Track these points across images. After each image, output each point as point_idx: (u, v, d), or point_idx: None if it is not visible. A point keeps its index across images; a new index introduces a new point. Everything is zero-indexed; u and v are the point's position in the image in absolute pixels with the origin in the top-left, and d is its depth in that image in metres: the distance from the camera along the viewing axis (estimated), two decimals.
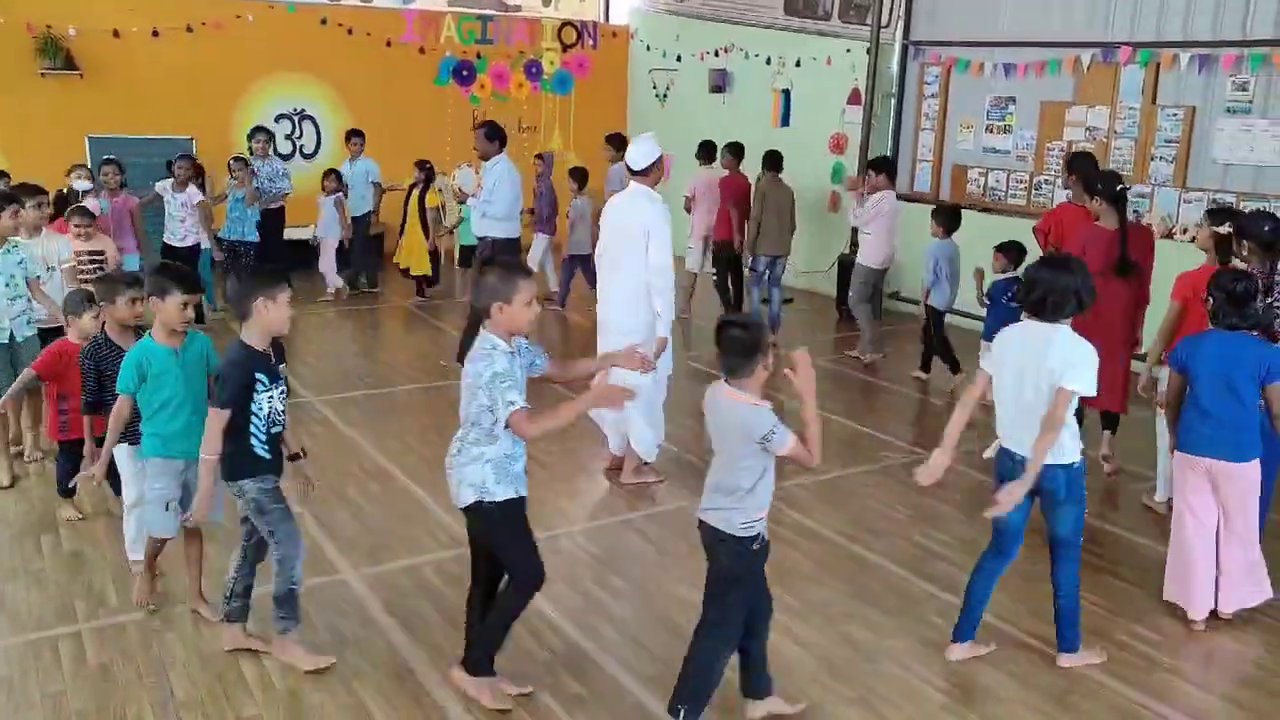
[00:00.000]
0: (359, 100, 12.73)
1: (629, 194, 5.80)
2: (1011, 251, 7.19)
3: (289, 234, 10.73)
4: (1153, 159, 8.66)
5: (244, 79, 12.20)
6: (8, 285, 5.59)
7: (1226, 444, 4.27)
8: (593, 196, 10.26)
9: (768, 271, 9.37)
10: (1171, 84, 8.55)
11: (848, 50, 11.11)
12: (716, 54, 12.92)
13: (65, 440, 5.18)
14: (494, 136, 8.03)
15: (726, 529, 3.41)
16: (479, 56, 13.02)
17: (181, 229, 9.26)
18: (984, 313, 7.23)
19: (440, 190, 10.92)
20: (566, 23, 13.85)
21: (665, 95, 14.11)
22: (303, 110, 12.69)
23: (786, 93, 12.04)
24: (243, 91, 12.23)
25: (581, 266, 10.37)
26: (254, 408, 3.72)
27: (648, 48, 14.13)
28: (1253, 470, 4.33)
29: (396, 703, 3.75)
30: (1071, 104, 9.26)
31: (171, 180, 9.26)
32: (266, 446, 3.81)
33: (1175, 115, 8.51)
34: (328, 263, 10.75)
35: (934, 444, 4.04)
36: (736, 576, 3.47)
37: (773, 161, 9.43)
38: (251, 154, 10.19)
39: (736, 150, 9.83)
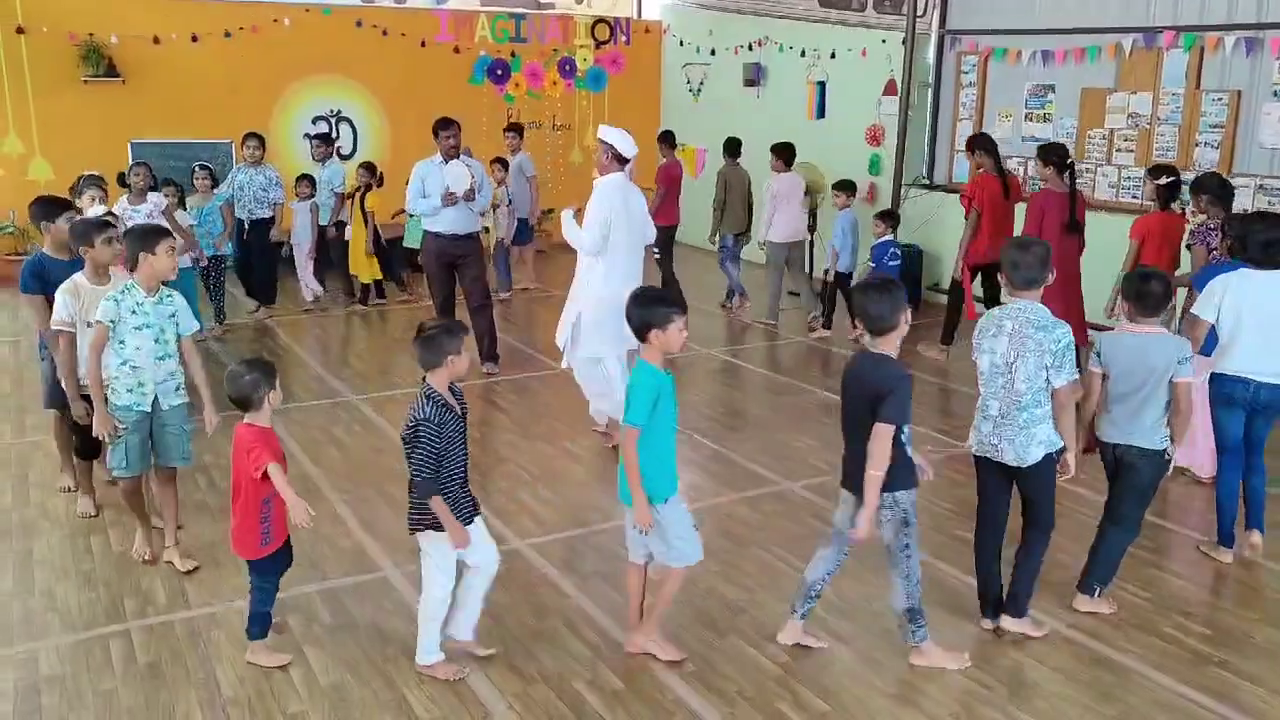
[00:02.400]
0: (394, 101, 12.82)
1: (629, 183, 6.24)
2: (890, 218, 8.70)
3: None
4: (1197, 145, 8.51)
5: (281, 82, 12.33)
6: (157, 341, 4.59)
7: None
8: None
9: (733, 248, 10.18)
10: (1216, 68, 8.39)
11: (883, 41, 11.01)
12: (750, 47, 12.86)
13: (260, 558, 3.98)
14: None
15: (1153, 447, 4.20)
16: (513, 55, 13.08)
17: None
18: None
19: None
20: (600, 19, 13.87)
21: (699, 90, 14.07)
22: (339, 111, 12.80)
23: (821, 85, 11.96)
24: (280, 94, 12.36)
25: (504, 254, 10.70)
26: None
27: (681, 43, 14.09)
28: None
29: (440, 699, 3.77)
30: (1113, 90, 9.12)
31: (127, 194, 8.17)
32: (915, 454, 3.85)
33: (1220, 100, 8.35)
34: (304, 270, 10.28)
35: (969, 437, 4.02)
36: (1154, 484, 4.29)
37: (732, 148, 10.18)
38: (244, 161, 9.70)
39: (670, 139, 10.62)
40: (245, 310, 9.87)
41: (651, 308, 3.76)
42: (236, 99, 11.87)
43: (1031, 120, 9.84)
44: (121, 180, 8.73)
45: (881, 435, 3.65)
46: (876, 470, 3.67)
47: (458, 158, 7.86)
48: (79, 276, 4.84)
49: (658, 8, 14.66)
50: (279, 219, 9.78)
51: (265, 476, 3.80)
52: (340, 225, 10.51)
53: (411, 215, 10.43)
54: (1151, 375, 4.14)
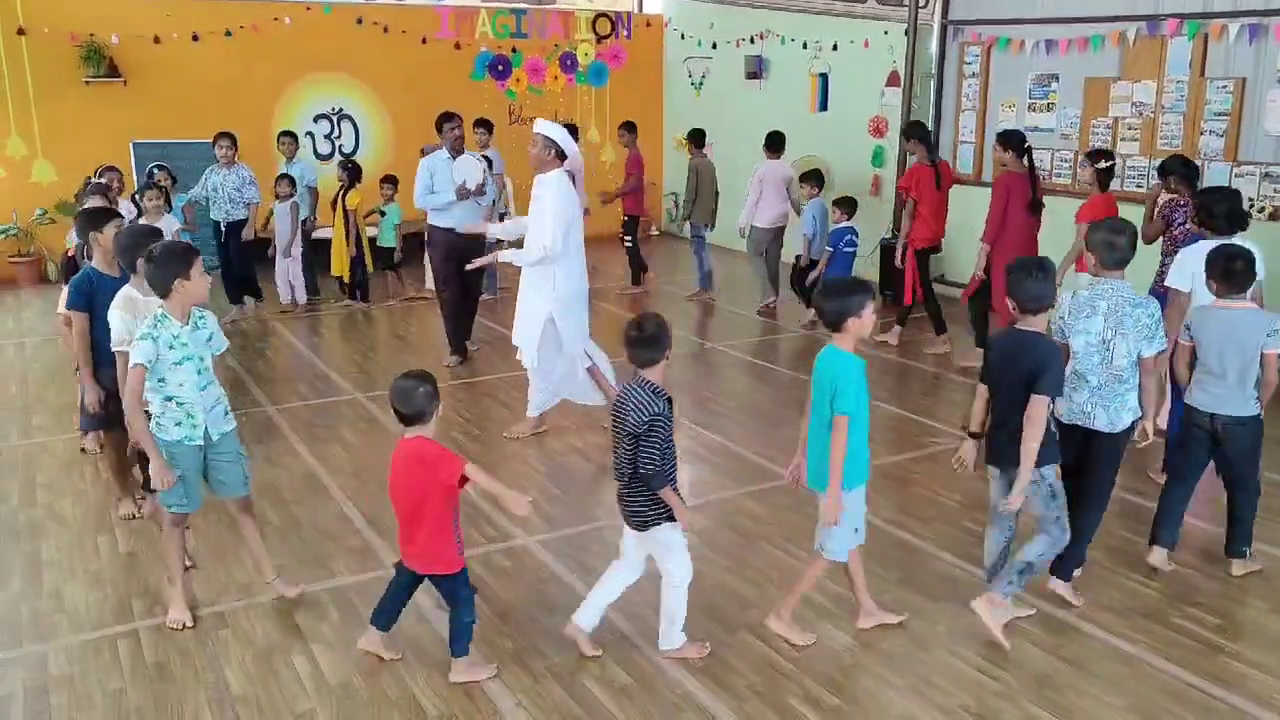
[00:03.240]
0: (396, 98, 12.81)
1: (569, 180, 6.19)
2: (847, 205, 8.98)
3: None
4: (1202, 133, 8.46)
5: (283, 80, 12.32)
6: (200, 372, 4.12)
7: None
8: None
9: (703, 236, 10.62)
10: (1220, 55, 8.34)
11: (885, 32, 10.97)
12: (752, 40, 12.83)
13: (462, 569, 3.85)
14: None
15: (1249, 413, 4.47)
16: (514, 50, 13.03)
17: None
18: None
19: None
20: (600, 14, 13.82)
21: (701, 84, 14.03)
22: (341, 109, 12.79)
23: (824, 77, 11.92)
24: (282, 93, 12.35)
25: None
26: None
27: (682, 36, 14.06)
28: None
29: (449, 697, 3.77)
30: (1116, 79, 9.08)
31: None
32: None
33: (1225, 87, 8.30)
34: (295, 272, 10.11)
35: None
36: (1259, 444, 4.58)
37: (697, 138, 10.58)
38: (217, 161, 9.44)
39: (632, 129, 10.99)
40: (227, 317, 9.50)
41: (847, 297, 3.83)
42: (238, 98, 11.86)
43: (1035, 110, 9.80)
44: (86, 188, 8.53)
45: (1038, 406, 3.84)
46: (1033, 442, 3.85)
47: (463, 152, 7.87)
48: (130, 290, 4.51)
49: (659, 1, 14.62)
50: (253, 219, 9.54)
51: (462, 481, 3.67)
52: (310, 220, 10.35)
53: (383, 214, 10.42)
54: (1244, 349, 4.40)
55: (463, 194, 7.70)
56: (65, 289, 5.32)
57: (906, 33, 10.57)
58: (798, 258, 9.43)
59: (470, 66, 12.63)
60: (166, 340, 4.01)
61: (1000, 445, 4.06)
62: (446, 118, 7.87)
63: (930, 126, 10.77)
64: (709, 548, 4.99)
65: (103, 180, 7.74)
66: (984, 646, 4.06)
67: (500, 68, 12.81)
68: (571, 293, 6.25)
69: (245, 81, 11.95)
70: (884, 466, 6.02)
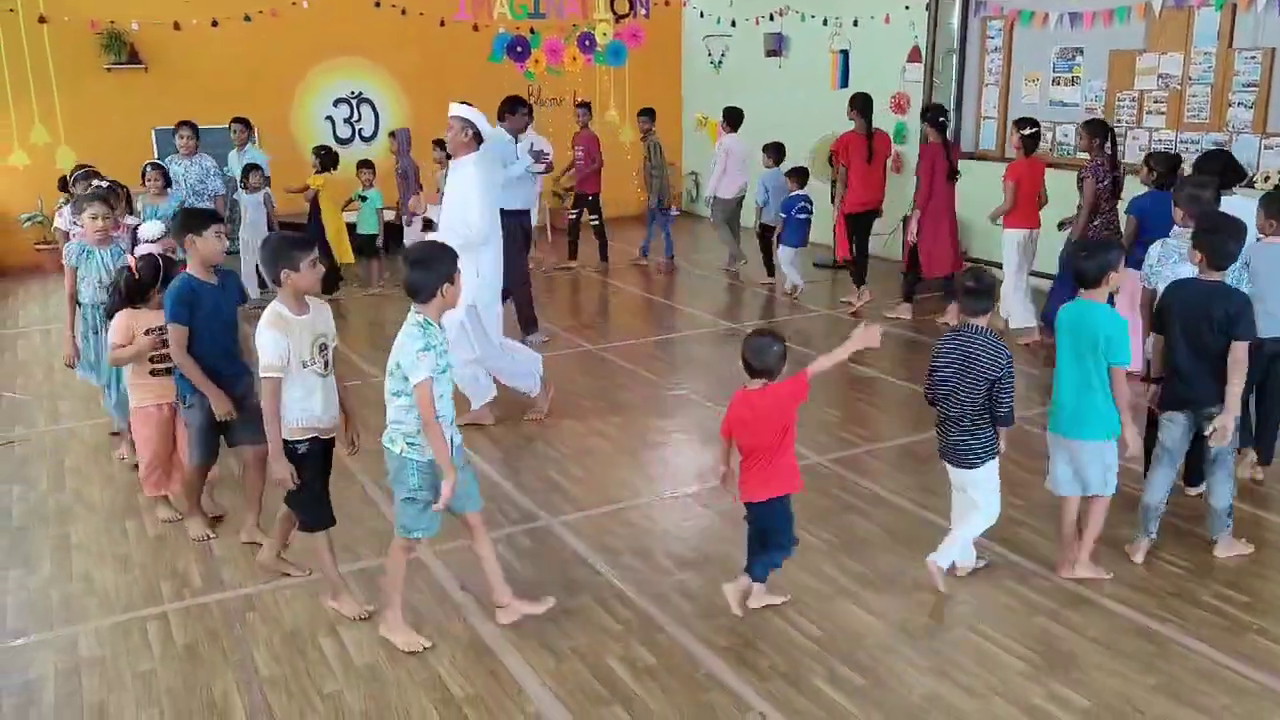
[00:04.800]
0: (414, 81, 12.82)
1: (486, 163, 6.12)
2: (799, 174, 9.69)
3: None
4: (1231, 105, 8.33)
5: (302, 65, 12.36)
6: (450, 381, 3.87)
7: None
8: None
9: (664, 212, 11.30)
10: (1249, 25, 8.20)
11: (907, 7, 10.84)
12: (771, 17, 12.71)
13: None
14: None
15: None
16: (532, 31, 12.96)
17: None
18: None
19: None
20: None
21: (720, 62, 13.93)
22: (360, 94, 12.81)
23: (845, 53, 11.81)
24: (301, 78, 12.40)
25: None
26: None
27: (701, 14, 13.96)
28: None
29: (474, 679, 3.79)
30: (1143, 52, 8.94)
31: (70, 203, 6.83)
32: None
33: (1254, 58, 8.17)
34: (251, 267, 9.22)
35: None
36: None
37: (653, 115, 11.28)
38: (177, 152, 8.97)
39: (588, 108, 11.50)
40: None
41: (1106, 254, 4.16)
42: (258, 83, 11.91)
43: (1059, 84, 9.67)
44: (64, 185, 8.30)
45: (1242, 350, 4.15)
46: (1239, 383, 4.16)
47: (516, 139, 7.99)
48: (282, 309, 3.93)
49: None
50: (225, 212, 9.12)
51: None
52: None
53: (364, 199, 10.35)
54: None
55: (541, 159, 7.97)
56: (122, 315, 4.88)
57: (928, 8, 10.44)
58: (762, 225, 10.10)
59: (488, 48, 12.57)
60: (440, 348, 3.69)
61: (1186, 388, 4.31)
62: (519, 102, 7.90)
63: (952, 102, 10.69)
64: (730, 527, 4.98)
65: (103, 182, 7.30)
66: (1009, 626, 4.04)
67: (519, 49, 12.74)
68: (495, 280, 6.18)
69: (265, 66, 11.99)
70: (907, 445, 5.99)
